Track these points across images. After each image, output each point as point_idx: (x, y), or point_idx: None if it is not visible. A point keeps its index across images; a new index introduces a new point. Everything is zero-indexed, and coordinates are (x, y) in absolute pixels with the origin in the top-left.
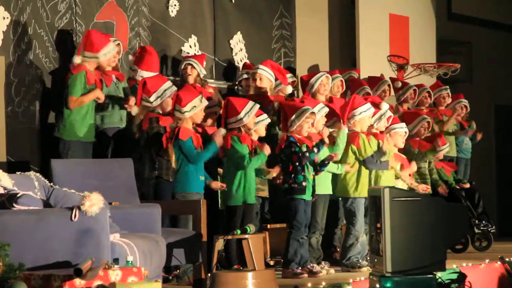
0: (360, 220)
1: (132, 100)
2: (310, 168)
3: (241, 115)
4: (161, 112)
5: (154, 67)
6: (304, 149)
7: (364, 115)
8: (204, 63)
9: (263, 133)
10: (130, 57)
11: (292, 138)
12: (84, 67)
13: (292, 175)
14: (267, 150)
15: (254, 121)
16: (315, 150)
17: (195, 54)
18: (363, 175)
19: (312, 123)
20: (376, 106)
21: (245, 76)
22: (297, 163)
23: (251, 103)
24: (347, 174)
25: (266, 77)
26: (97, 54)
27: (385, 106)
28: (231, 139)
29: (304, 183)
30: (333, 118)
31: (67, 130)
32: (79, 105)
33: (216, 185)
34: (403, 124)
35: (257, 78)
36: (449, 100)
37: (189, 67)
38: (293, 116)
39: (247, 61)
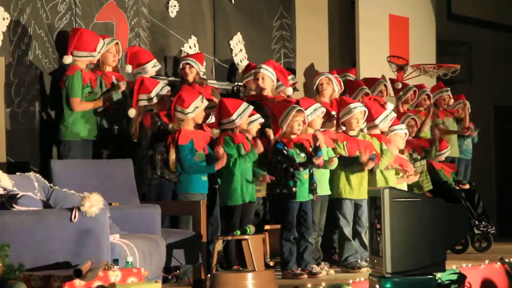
0: (342, 219)
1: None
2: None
3: (233, 117)
4: (157, 111)
5: (151, 56)
6: (297, 152)
7: (346, 117)
8: (204, 63)
9: (253, 133)
10: (129, 68)
11: (279, 145)
12: (78, 67)
13: (283, 180)
14: (259, 149)
15: (248, 122)
16: (301, 169)
17: (193, 54)
18: (346, 177)
19: (303, 121)
20: (382, 106)
21: (250, 77)
22: (282, 172)
23: (244, 104)
24: (335, 175)
25: (268, 77)
26: (93, 53)
27: (390, 106)
28: (224, 140)
29: (294, 189)
30: (330, 119)
31: (68, 131)
32: (83, 109)
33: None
34: (403, 126)
35: (260, 78)
36: (450, 102)
37: (187, 66)
38: (281, 118)
39: (251, 63)
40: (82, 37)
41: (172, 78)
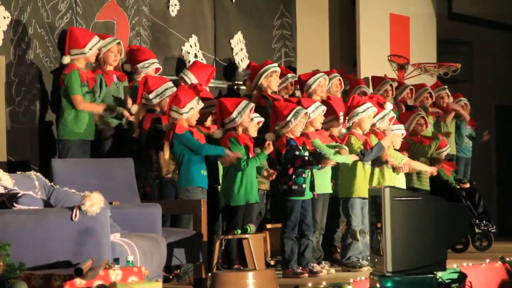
0: (355, 219)
1: (130, 103)
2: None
3: (233, 115)
4: (158, 111)
5: (150, 55)
6: (306, 153)
7: (362, 115)
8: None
9: (253, 133)
10: (127, 67)
11: (293, 141)
12: (74, 66)
13: (293, 177)
14: (268, 149)
15: (249, 120)
16: (319, 166)
17: (203, 63)
18: (358, 176)
19: (305, 124)
20: (380, 105)
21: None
22: (298, 167)
23: (244, 102)
24: (343, 174)
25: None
26: (83, 50)
27: (389, 106)
28: (229, 141)
29: (304, 185)
30: (330, 116)
31: (67, 131)
32: (85, 108)
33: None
34: (401, 126)
35: (276, 77)
36: (448, 100)
37: (182, 81)
38: (290, 116)
39: (252, 61)
40: (74, 35)
41: (174, 77)
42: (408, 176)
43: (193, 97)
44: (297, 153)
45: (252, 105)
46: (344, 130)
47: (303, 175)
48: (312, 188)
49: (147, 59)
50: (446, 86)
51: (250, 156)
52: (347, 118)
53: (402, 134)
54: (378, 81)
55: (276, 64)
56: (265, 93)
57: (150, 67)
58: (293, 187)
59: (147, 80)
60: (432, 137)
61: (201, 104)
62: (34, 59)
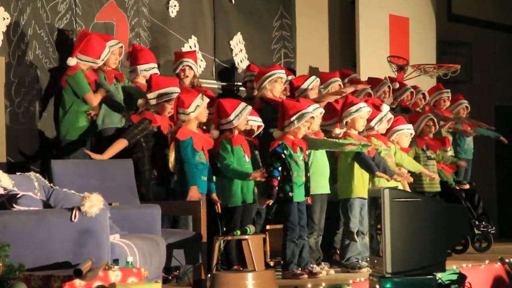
0: (353, 220)
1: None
2: (302, 171)
3: (231, 117)
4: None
5: (150, 59)
6: (298, 154)
7: (355, 115)
8: (198, 60)
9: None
10: (127, 63)
11: (279, 148)
12: (78, 67)
13: (280, 184)
14: (258, 178)
15: (246, 122)
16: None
17: (188, 51)
18: (356, 176)
19: (308, 126)
20: (377, 108)
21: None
22: (285, 172)
23: (242, 104)
24: (341, 175)
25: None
26: (96, 61)
27: (385, 108)
28: (221, 144)
29: (290, 193)
30: (332, 118)
31: (68, 132)
32: (98, 100)
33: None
34: (410, 125)
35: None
36: (448, 104)
37: (187, 68)
38: (294, 118)
39: (251, 63)
40: (90, 43)
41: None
42: (419, 180)
43: (196, 95)
44: (273, 159)
45: (250, 108)
46: (338, 131)
47: (290, 183)
48: (306, 193)
49: (147, 63)
50: (449, 90)
51: (247, 160)
52: (341, 118)
53: (411, 134)
54: (375, 83)
55: (283, 71)
56: (265, 96)
57: (149, 71)
58: (280, 195)
59: (151, 80)
60: (440, 138)
61: (206, 100)
62: (34, 60)
